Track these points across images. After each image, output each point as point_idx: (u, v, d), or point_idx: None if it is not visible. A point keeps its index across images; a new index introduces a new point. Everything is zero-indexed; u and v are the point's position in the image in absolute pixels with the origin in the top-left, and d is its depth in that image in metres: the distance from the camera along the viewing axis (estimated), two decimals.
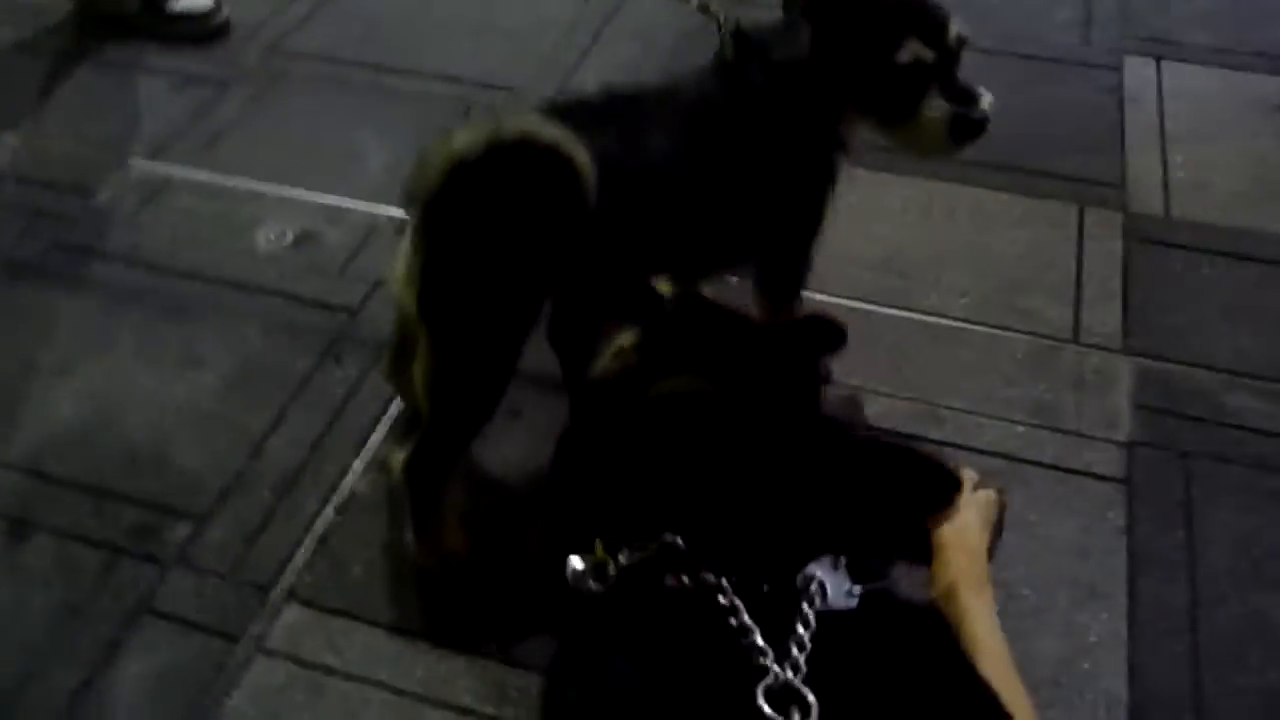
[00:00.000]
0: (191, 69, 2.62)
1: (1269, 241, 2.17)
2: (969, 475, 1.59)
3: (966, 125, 1.43)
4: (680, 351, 1.43)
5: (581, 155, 1.21)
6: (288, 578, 1.62)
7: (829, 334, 1.57)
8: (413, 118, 2.45)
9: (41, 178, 2.30)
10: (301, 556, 1.64)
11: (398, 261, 1.37)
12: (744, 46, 1.49)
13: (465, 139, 1.18)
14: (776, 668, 0.98)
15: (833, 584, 1.11)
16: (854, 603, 1.11)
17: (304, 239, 2.16)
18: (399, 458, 1.52)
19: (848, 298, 2.02)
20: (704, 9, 1.56)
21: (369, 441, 1.80)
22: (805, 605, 1.05)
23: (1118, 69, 2.62)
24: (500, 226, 1.26)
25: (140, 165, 2.34)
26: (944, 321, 2.00)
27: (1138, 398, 1.87)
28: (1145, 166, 2.34)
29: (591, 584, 1.14)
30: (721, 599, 1.06)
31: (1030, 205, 2.24)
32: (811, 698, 0.96)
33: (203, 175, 2.31)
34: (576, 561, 1.15)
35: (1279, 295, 2.06)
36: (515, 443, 1.78)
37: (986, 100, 1.44)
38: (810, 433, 1.42)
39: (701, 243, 1.56)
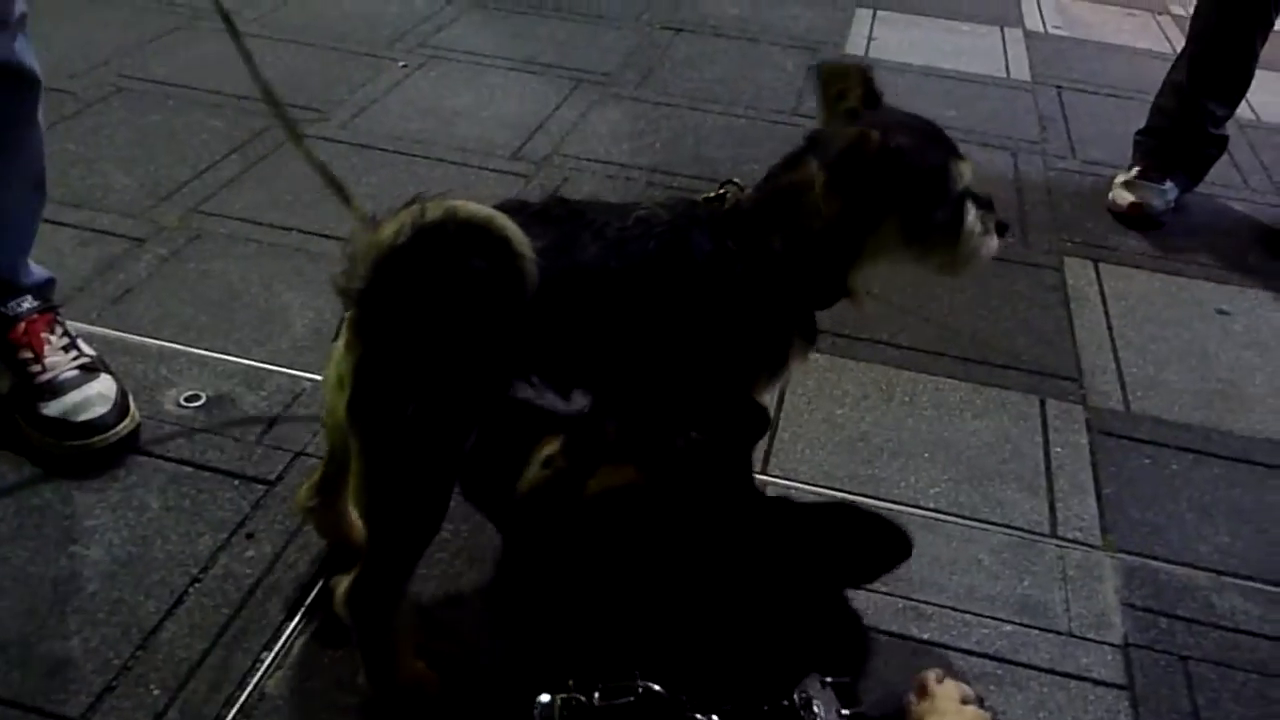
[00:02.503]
0: (101, 224, 2.44)
1: (1230, 439, 2.13)
2: (957, 690, 1.46)
3: (1002, 229, 1.51)
4: (607, 446, 1.40)
5: (515, 231, 1.14)
6: None
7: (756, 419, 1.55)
8: None
9: None
10: None
11: (328, 368, 1.31)
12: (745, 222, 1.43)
13: (392, 226, 1.13)
14: None
15: (823, 704, 1.08)
16: None
17: (218, 403, 1.95)
18: (341, 588, 1.36)
19: (817, 485, 1.88)
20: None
21: (283, 632, 1.55)
22: None
23: (1059, 269, 2.64)
24: (437, 315, 1.19)
25: None
26: (917, 512, 1.87)
27: (1125, 596, 1.75)
28: (1099, 361, 2.32)
29: None
30: None
31: (991, 395, 2.18)
32: None
33: (106, 331, 2.09)
34: (546, 698, 1.07)
35: (1248, 494, 2.00)
36: (460, 558, 1.64)
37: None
38: (754, 513, 1.42)
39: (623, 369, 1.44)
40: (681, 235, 1.38)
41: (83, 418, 1.79)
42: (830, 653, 1.19)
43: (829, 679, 1.12)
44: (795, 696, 1.07)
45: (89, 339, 2.00)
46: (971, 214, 1.46)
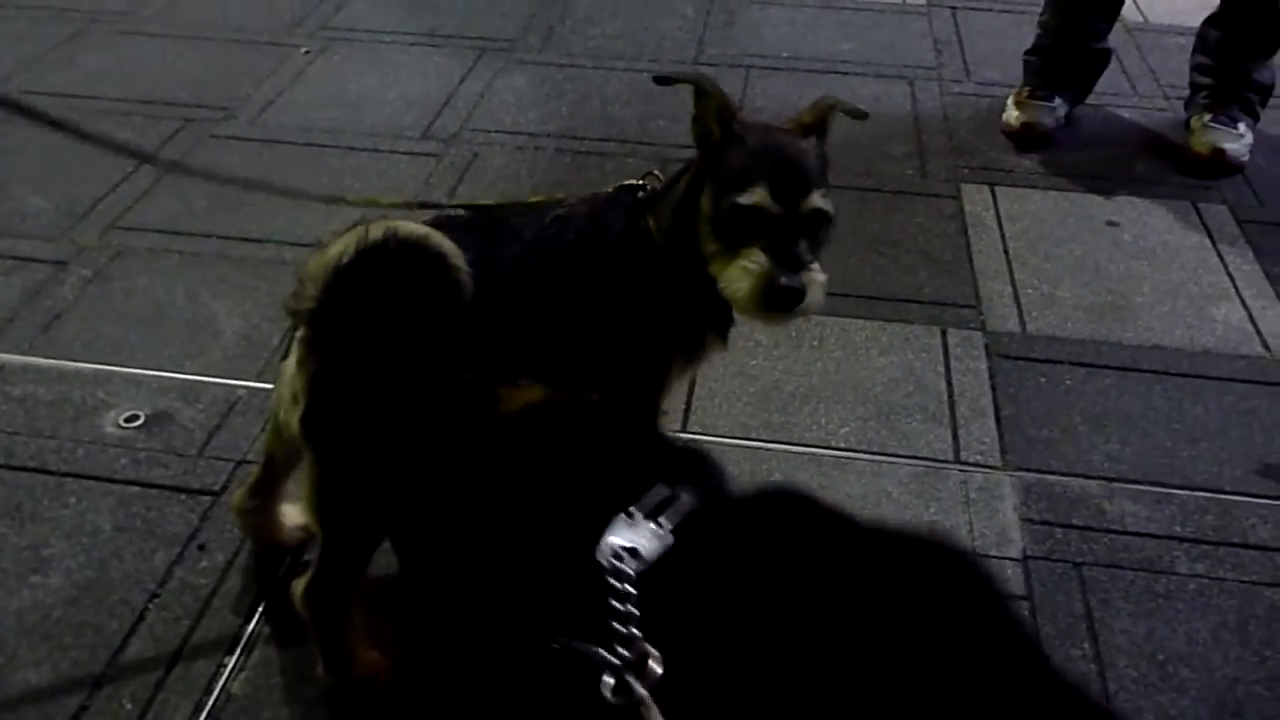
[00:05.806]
0: (22, 250, 2.48)
1: (1119, 350, 2.27)
2: None
3: (775, 292, 1.35)
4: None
5: (450, 246, 1.25)
6: None
7: None
8: (265, 285, 2.36)
9: None
10: None
11: (280, 385, 1.39)
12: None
13: (337, 247, 1.23)
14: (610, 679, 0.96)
15: (639, 538, 1.04)
16: (670, 540, 1.04)
17: (157, 420, 2.02)
18: (299, 588, 1.48)
19: (733, 437, 2.00)
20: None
21: (242, 636, 1.65)
22: (615, 582, 1.01)
23: (956, 198, 2.75)
24: (384, 327, 1.28)
25: None
26: (829, 453, 2.00)
27: (1024, 512, 1.89)
28: (996, 286, 2.44)
29: None
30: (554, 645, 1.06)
31: (895, 330, 2.30)
32: (658, 667, 0.95)
33: (40, 360, 2.15)
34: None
35: (1136, 401, 2.14)
36: None
37: (817, 278, 1.39)
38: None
39: (557, 358, 1.52)
40: (597, 222, 1.50)
41: None
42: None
43: (631, 506, 1.07)
44: (602, 559, 1.04)
45: (23, 369, 2.06)
46: (756, 254, 1.36)
